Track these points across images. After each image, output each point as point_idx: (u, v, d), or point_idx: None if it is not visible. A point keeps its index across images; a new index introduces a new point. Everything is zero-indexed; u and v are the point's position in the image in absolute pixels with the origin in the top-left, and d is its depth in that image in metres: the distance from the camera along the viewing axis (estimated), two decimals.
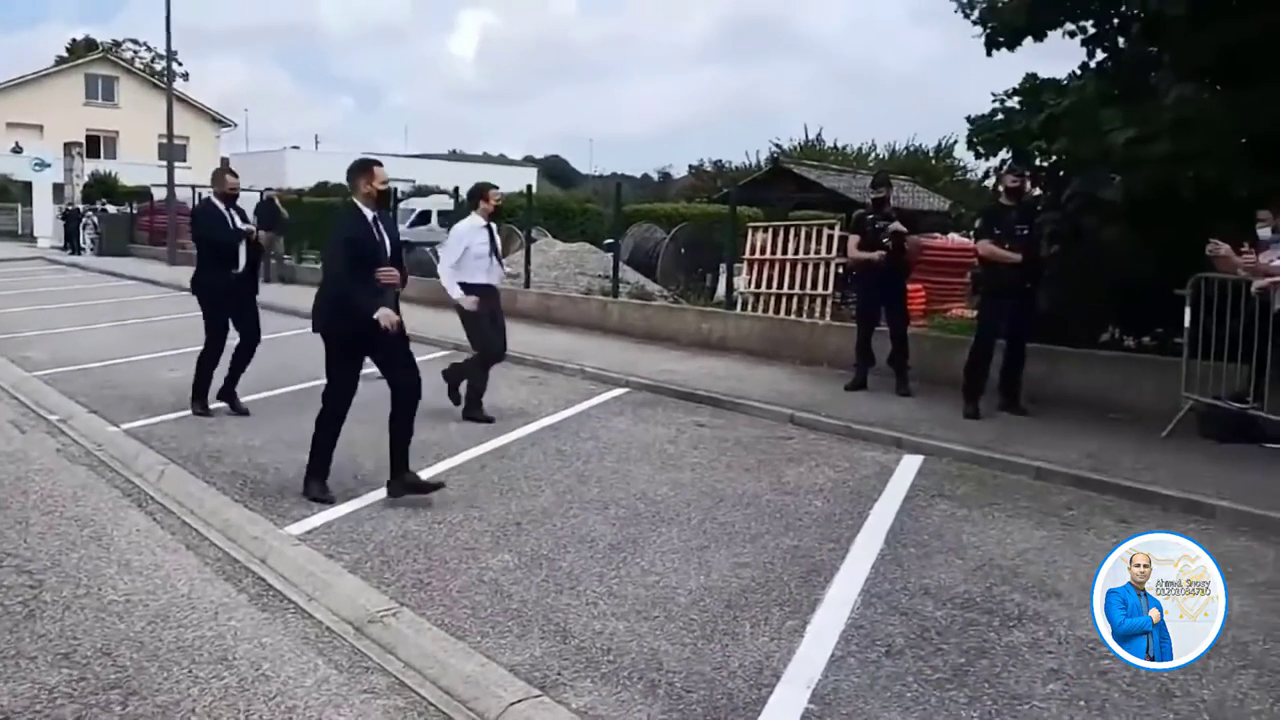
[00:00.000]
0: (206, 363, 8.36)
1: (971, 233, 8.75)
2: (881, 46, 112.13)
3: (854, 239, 9.78)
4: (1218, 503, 6.08)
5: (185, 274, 9.62)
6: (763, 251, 13.86)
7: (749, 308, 13.59)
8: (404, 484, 6.00)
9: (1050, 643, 4.22)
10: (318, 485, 6.04)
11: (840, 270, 12.85)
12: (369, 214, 6.00)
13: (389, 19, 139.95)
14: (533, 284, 16.31)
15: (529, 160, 69.35)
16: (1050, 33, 9.38)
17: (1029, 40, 9.40)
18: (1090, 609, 4.50)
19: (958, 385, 8.55)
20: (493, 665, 3.89)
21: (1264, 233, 7.49)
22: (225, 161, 29.63)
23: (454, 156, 63.88)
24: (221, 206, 8.30)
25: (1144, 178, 7.85)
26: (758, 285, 13.77)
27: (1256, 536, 5.67)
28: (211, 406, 8.35)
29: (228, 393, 8.40)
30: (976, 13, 9.58)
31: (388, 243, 6.04)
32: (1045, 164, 9.45)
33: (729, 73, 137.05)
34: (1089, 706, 3.68)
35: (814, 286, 13.13)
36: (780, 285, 13.49)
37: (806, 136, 44.28)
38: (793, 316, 12.79)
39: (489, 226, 8.33)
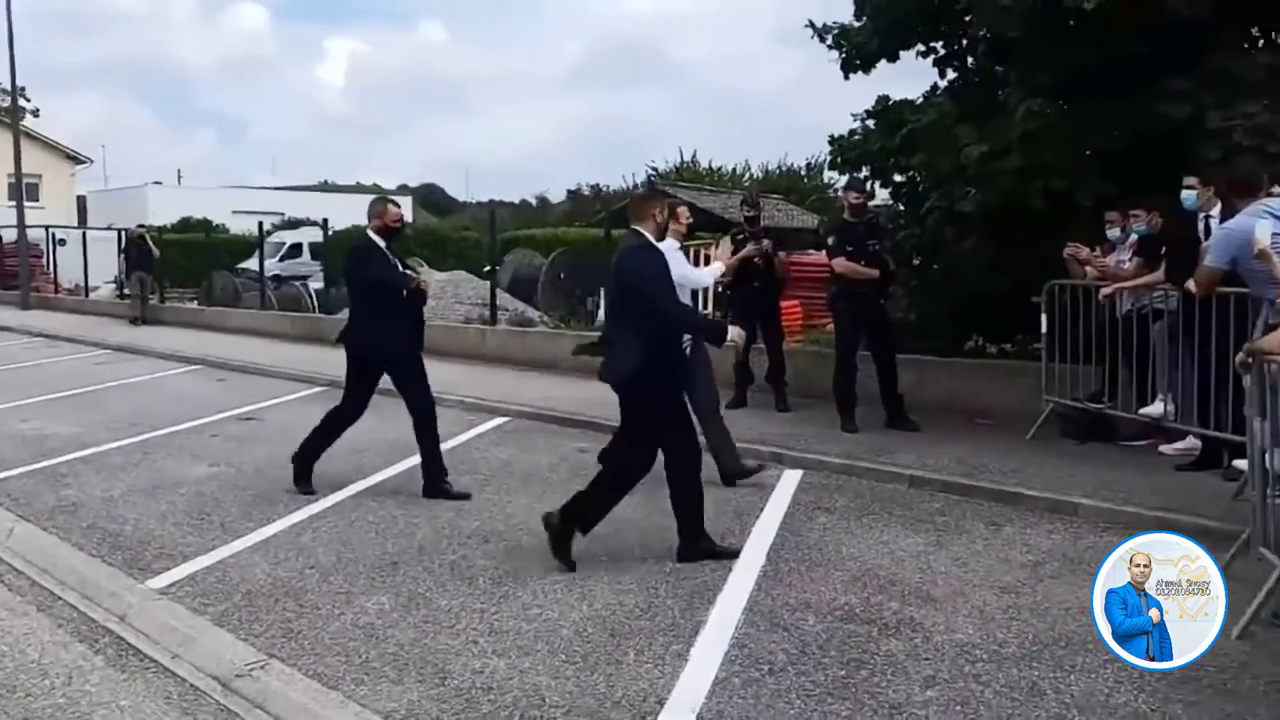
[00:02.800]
0: (333, 430, 7.11)
1: (826, 250, 8.96)
2: (749, 70, 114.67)
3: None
4: (1080, 501, 6.33)
5: (41, 319, 9.12)
6: None
7: None
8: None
9: (927, 649, 4.30)
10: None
11: (721, 289, 12.98)
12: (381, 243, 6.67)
13: (251, 50, 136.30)
14: None
15: (404, 189, 68.20)
16: (904, 53, 9.71)
17: (884, 62, 9.71)
18: (964, 613, 4.66)
19: (834, 400, 8.72)
20: (367, 714, 3.75)
21: (1113, 234, 7.86)
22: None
23: (325, 187, 62.38)
24: (383, 244, 6.91)
25: (997, 190, 8.18)
26: None
27: (1117, 532, 5.88)
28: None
29: (435, 487, 6.96)
30: (830, 38, 9.86)
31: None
32: (904, 180, 9.75)
33: (602, 98, 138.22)
34: (964, 710, 3.75)
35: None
36: None
37: (682, 159, 44.86)
38: None
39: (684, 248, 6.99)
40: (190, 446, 8.56)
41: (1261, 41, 8.65)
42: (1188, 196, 6.88)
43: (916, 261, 8.93)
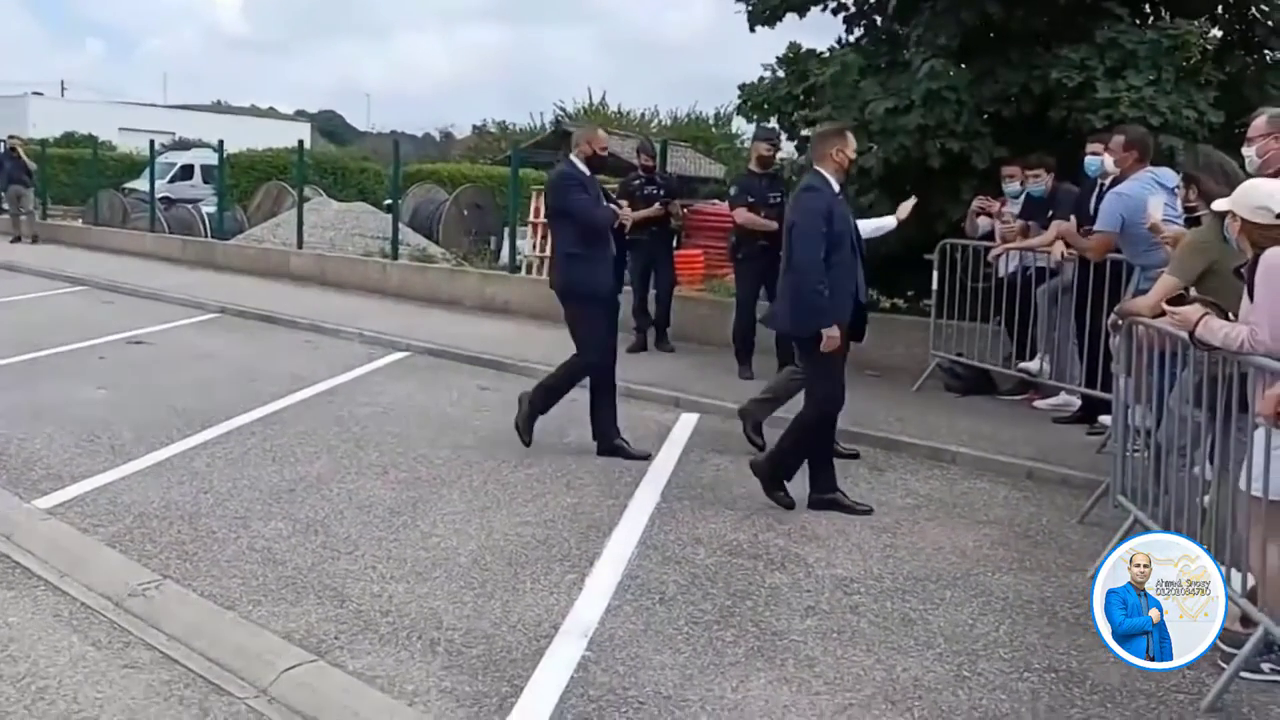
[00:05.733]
0: (571, 383, 6.52)
1: (727, 200, 9.11)
2: (663, 12, 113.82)
3: (624, 203, 9.97)
4: (958, 449, 6.67)
5: None
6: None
7: (533, 271, 13.61)
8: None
9: (809, 582, 4.54)
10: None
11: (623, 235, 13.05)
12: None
13: None
14: (306, 244, 15.68)
15: (301, 115, 66.03)
16: (813, 9, 9.83)
17: (792, 17, 9.81)
18: (844, 551, 4.91)
19: (733, 348, 8.92)
20: (265, 633, 3.81)
21: (1012, 188, 8.12)
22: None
23: (219, 109, 60.02)
24: (588, 174, 6.35)
25: (897, 147, 8.40)
26: (542, 249, 13.79)
27: (991, 479, 6.26)
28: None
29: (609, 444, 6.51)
30: None
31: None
32: (810, 133, 9.92)
33: (512, 31, 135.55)
34: (840, 637, 3.99)
35: None
36: None
37: (591, 100, 44.36)
38: None
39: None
40: (77, 369, 8.32)
41: (1152, 18, 9.03)
42: (1092, 162, 7.16)
43: None
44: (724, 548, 4.92)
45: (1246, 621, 3.65)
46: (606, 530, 5.09)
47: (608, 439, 6.46)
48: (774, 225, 8.53)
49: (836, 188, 5.36)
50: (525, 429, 6.39)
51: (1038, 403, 7.87)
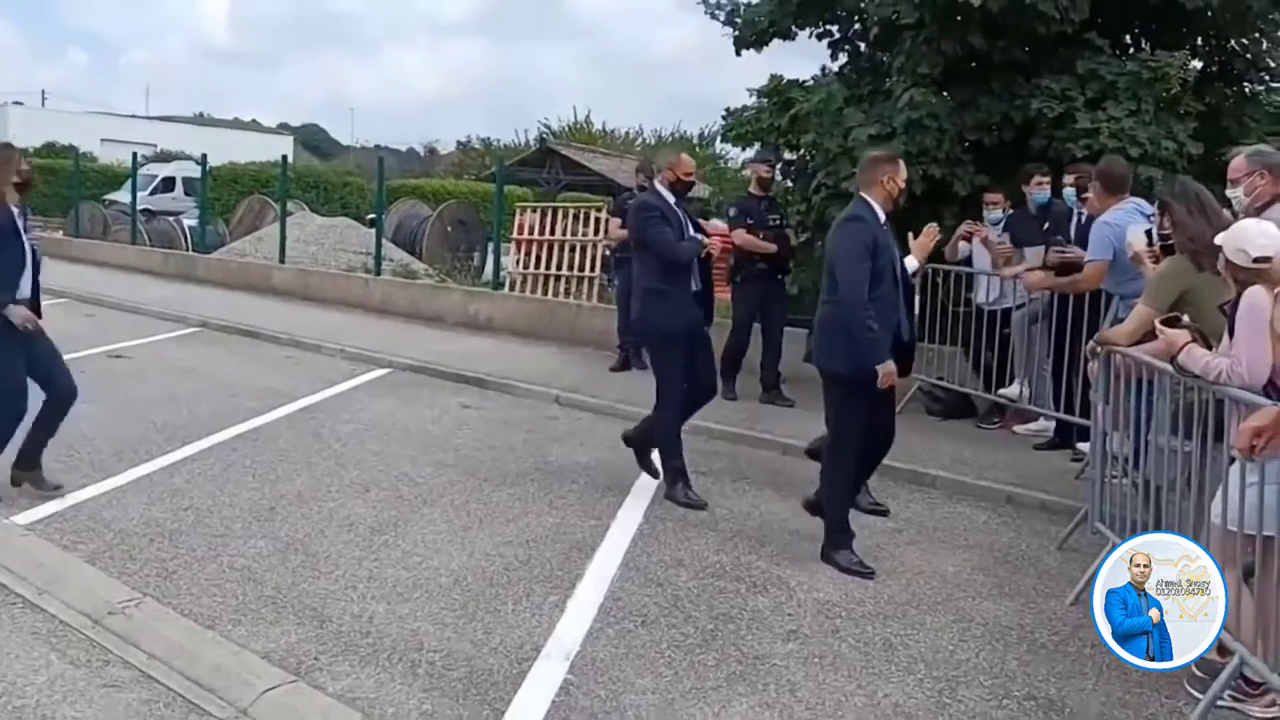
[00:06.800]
0: (660, 440, 6.10)
1: (726, 222, 9.17)
2: (648, 32, 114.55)
3: (615, 221, 10.05)
4: (938, 473, 6.72)
5: None
6: (531, 232, 13.90)
7: (516, 288, 13.62)
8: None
9: (790, 605, 4.55)
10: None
11: (607, 252, 13.10)
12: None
13: None
14: (289, 259, 15.65)
15: (285, 128, 65.91)
16: (799, 33, 9.93)
17: (778, 41, 9.91)
18: (826, 574, 4.93)
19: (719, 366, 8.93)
20: (245, 653, 3.78)
21: (995, 214, 8.21)
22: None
23: (201, 120, 59.71)
24: (672, 201, 5.98)
25: None
26: (525, 266, 13.82)
27: (971, 504, 6.30)
28: None
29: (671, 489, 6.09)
30: (724, 14, 10.00)
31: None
32: (794, 158, 10.01)
33: (497, 48, 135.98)
34: (822, 662, 4.01)
35: (581, 268, 13.31)
36: (548, 266, 13.58)
37: (576, 117, 44.48)
38: (559, 298, 12.93)
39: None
40: None
41: (1132, 50, 9.17)
42: (1070, 191, 7.29)
43: (804, 237, 9.20)
44: (706, 570, 4.93)
45: (1223, 650, 3.69)
46: (589, 551, 5.09)
47: (643, 446, 6.20)
48: (773, 248, 8.59)
49: (883, 217, 5.05)
50: (650, 469, 6.21)
51: (1017, 428, 7.93)
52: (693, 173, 6.17)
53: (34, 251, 5.34)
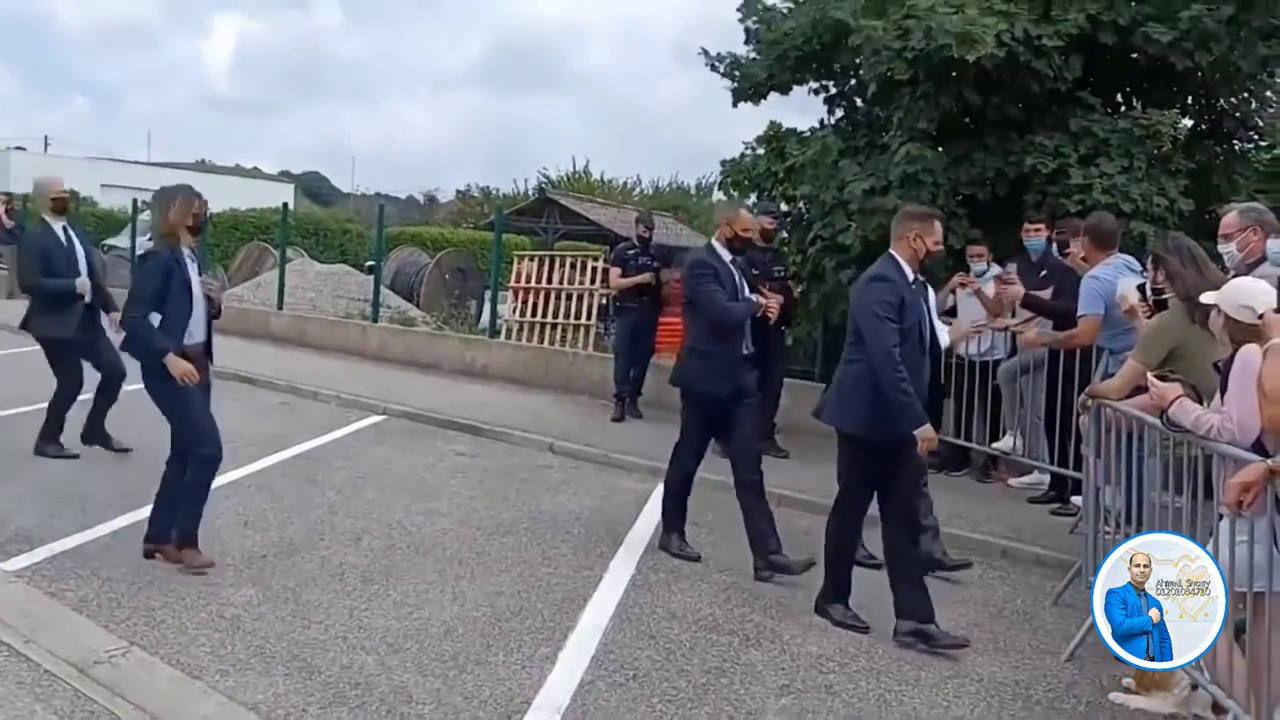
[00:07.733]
0: (675, 497, 6.11)
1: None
2: (646, 85, 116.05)
3: (615, 270, 10.12)
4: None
5: None
6: (528, 280, 13.97)
7: (513, 336, 13.66)
8: None
9: (784, 659, 4.52)
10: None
11: (604, 301, 13.16)
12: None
13: (134, 17, 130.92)
14: (287, 305, 15.69)
15: (285, 175, 66.43)
16: (796, 88, 10.07)
17: (775, 94, 10.06)
18: (820, 627, 4.89)
19: None
20: (232, 704, 3.74)
21: (979, 267, 8.28)
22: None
23: (202, 167, 60.08)
24: (728, 258, 5.85)
25: (875, 225, 8.55)
26: (523, 314, 13.87)
27: (967, 557, 6.25)
28: None
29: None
30: (723, 67, 10.16)
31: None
32: (790, 209, 10.10)
33: (498, 99, 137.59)
34: (816, 717, 3.97)
35: (577, 316, 13.35)
36: (545, 314, 13.63)
37: (574, 167, 44.90)
38: (556, 346, 12.96)
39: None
40: None
41: (1124, 108, 9.29)
42: (1037, 243, 7.45)
43: (800, 290, 9.26)
44: (699, 623, 4.90)
45: (1218, 709, 3.66)
46: (581, 602, 5.06)
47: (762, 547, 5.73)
48: (779, 300, 8.62)
49: (910, 276, 4.82)
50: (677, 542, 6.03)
51: (1012, 481, 7.93)
52: (750, 229, 6.04)
53: (207, 297, 5.36)
